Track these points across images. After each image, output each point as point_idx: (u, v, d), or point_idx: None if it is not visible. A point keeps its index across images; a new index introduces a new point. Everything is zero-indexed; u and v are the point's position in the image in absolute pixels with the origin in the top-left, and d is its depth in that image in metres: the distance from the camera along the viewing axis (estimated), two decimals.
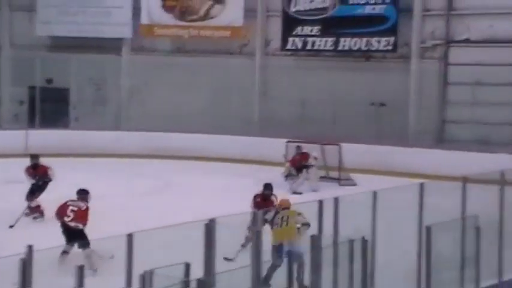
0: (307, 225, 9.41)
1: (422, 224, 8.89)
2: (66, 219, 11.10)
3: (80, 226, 11.08)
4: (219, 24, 24.16)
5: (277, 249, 9.34)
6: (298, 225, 9.53)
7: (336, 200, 8.33)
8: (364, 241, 8.20)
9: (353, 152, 19.14)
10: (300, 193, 16.94)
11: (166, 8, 24.59)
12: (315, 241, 7.76)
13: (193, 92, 23.79)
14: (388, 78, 21.69)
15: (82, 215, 11.18)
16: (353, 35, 22.28)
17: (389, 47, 21.83)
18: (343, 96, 22.06)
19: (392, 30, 21.73)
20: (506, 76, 19.75)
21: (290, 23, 23.18)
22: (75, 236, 11.01)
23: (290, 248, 9.14)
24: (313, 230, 8.31)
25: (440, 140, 21.18)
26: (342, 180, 18.57)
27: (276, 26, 23.65)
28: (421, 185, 9.18)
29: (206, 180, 18.41)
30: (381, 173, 18.71)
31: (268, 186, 12.43)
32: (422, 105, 21.36)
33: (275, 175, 18.95)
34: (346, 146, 19.16)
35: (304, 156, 18.08)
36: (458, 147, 19.89)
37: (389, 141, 20.66)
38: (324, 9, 22.74)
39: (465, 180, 9.42)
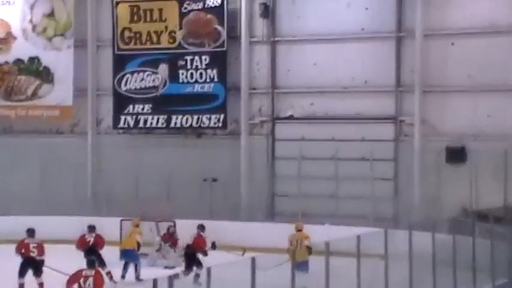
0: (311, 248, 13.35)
1: None
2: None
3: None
4: (48, 104, 23.83)
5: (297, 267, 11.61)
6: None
7: (171, 279, 8.47)
8: None
9: (187, 228, 19.32)
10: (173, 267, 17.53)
11: None
12: None
13: (22, 174, 23.12)
14: (220, 154, 22.28)
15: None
16: (184, 113, 22.78)
17: (220, 124, 22.51)
18: (177, 173, 22.30)
19: (222, 108, 22.47)
20: (327, 150, 20.93)
21: (121, 101, 23.33)
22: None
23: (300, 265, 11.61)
24: None
25: (271, 213, 21.91)
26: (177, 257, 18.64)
27: (107, 105, 23.70)
28: (253, 260, 9.53)
29: None
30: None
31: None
32: (253, 180, 22.06)
33: (111, 254, 18.76)
34: (180, 222, 19.34)
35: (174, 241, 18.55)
36: (287, 219, 20.66)
37: (223, 216, 21.09)
38: (155, 87, 23.14)
39: (293, 252, 9.90)
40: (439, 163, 20.19)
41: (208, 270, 9.01)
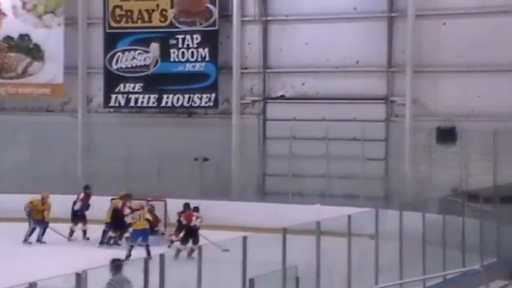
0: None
1: (246, 276, 9.25)
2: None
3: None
4: (39, 82, 23.71)
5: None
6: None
7: (162, 257, 8.49)
8: None
9: (178, 207, 19.33)
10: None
11: None
12: None
13: (12, 151, 23.05)
14: (211, 134, 22.26)
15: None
16: (175, 92, 22.72)
17: (211, 103, 22.47)
18: (168, 152, 22.28)
19: (213, 87, 22.42)
20: (318, 130, 20.94)
21: (112, 80, 23.23)
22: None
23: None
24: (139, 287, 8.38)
25: (262, 192, 21.96)
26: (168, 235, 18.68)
27: (98, 83, 23.60)
28: (244, 239, 9.57)
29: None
30: (206, 227, 19.02)
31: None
32: (244, 160, 22.08)
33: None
34: (171, 201, 19.34)
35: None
36: (277, 199, 20.75)
37: (213, 195, 21.11)
38: (146, 66, 23.05)
39: (285, 231, 9.92)
40: (430, 143, 20.27)
41: (200, 249, 9.03)
